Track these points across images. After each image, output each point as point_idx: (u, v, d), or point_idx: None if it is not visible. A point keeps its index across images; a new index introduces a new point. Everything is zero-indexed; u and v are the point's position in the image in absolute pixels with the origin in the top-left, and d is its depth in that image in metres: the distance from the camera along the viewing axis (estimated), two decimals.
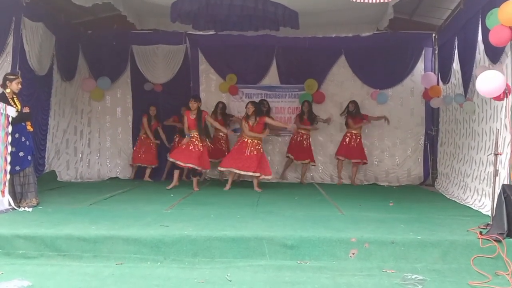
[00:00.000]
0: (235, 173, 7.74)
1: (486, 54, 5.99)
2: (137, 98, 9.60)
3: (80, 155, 9.50)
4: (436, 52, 9.14)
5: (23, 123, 5.67)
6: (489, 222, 4.58)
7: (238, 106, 9.56)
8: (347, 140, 8.97)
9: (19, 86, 5.63)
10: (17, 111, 5.44)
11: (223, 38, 9.17)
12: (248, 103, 7.84)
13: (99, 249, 4.13)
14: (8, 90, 5.53)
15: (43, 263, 4.01)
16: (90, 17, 9.08)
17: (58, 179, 8.60)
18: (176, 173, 7.74)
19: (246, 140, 7.65)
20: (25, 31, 7.00)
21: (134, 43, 9.47)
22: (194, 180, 7.72)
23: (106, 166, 9.69)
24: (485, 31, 5.46)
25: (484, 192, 5.98)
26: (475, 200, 6.20)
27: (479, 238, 4.17)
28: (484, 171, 6.07)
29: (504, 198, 4.32)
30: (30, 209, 5.43)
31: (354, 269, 3.96)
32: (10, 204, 5.38)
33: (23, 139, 5.66)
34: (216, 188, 7.92)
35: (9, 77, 5.62)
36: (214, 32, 8.98)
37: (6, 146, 5.28)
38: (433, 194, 7.90)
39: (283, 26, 7.63)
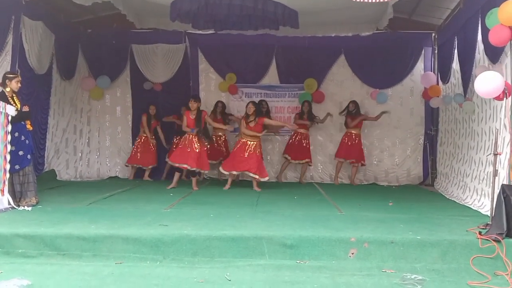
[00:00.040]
0: (235, 173, 7.76)
1: (486, 54, 5.99)
2: (136, 97, 9.59)
3: (80, 154, 9.49)
4: (436, 51, 9.15)
5: (22, 122, 5.67)
6: (489, 222, 4.58)
7: (237, 105, 9.55)
8: (346, 140, 8.96)
9: (19, 85, 5.62)
10: (16, 110, 5.44)
11: (223, 37, 9.17)
12: (249, 102, 7.83)
13: (98, 248, 4.13)
14: (7, 89, 5.53)
15: (43, 262, 4.00)
16: (90, 16, 9.06)
17: (58, 178, 8.61)
18: (177, 175, 7.72)
19: (245, 141, 7.65)
20: (25, 30, 7.00)
21: (133, 42, 9.45)
22: (194, 179, 7.73)
23: (106, 165, 9.68)
24: (485, 31, 5.46)
25: (483, 192, 5.98)
26: (474, 200, 6.20)
27: (478, 238, 4.17)
28: (484, 171, 6.07)
29: (504, 198, 4.32)
30: (30, 208, 5.42)
31: (353, 268, 3.96)
32: (9, 203, 5.38)
33: (22, 138, 5.66)
34: (215, 188, 7.91)
35: (9, 76, 5.61)
36: (214, 31, 8.97)
37: (6, 145, 5.28)
38: (432, 194, 7.90)
39: (282, 26, 7.63)
